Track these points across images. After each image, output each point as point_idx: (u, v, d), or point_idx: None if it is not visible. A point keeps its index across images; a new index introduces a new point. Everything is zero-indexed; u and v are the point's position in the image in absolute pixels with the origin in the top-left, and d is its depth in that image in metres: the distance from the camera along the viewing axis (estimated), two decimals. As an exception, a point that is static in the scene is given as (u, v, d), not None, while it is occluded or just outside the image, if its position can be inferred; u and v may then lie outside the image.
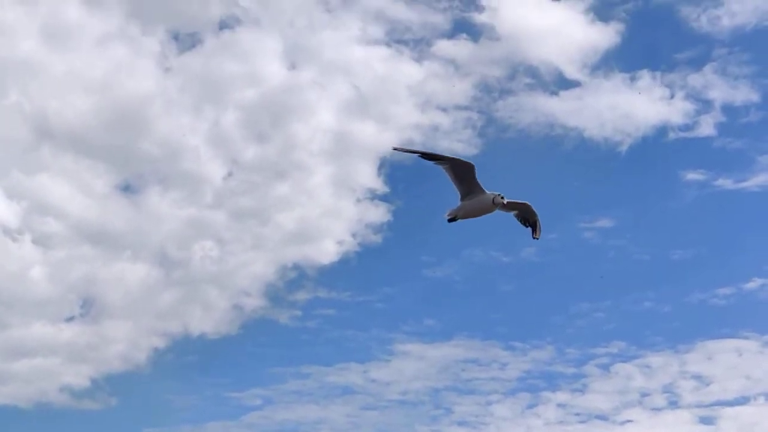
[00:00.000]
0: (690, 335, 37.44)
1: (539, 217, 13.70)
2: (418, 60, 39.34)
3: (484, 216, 13.17)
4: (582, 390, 36.16)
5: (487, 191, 12.98)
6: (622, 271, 39.44)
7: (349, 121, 39.13)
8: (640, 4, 39.92)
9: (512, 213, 13.70)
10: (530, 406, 35.95)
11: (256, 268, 37.43)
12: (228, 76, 38.11)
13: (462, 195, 13.19)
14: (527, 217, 13.71)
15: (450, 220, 13.43)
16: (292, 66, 39.02)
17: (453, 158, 12.80)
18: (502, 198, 12.97)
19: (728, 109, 38.61)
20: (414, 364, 37.15)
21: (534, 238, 13.78)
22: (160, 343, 36.20)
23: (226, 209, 37.72)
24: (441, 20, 39.32)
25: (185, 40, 38.10)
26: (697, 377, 35.96)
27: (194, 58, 38.54)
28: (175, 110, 37.92)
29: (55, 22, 36.84)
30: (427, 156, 12.80)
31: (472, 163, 12.79)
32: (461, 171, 12.93)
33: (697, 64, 39.45)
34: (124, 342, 36.21)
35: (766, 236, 40.00)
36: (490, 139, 38.92)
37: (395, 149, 13.24)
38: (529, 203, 13.46)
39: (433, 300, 39.34)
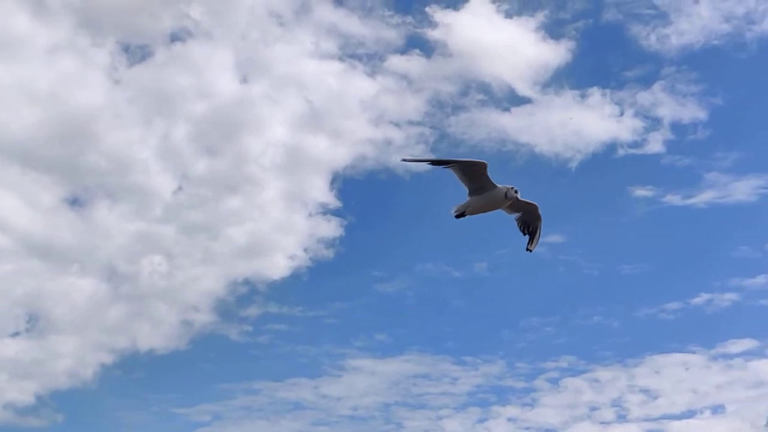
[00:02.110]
0: (638, 350, 37.87)
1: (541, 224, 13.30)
2: (371, 75, 39.44)
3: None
4: (532, 404, 36.35)
5: (498, 185, 12.67)
6: (572, 286, 39.82)
7: (302, 136, 39.07)
8: (591, 23, 40.45)
9: (515, 216, 13.32)
10: (481, 421, 36.04)
11: (206, 283, 37.11)
12: (179, 89, 37.83)
13: (471, 191, 12.85)
14: (529, 221, 13.27)
15: (458, 216, 13.05)
16: (244, 79, 38.88)
17: (465, 161, 12.55)
18: (516, 191, 12.68)
19: (676, 126, 39.23)
20: (365, 379, 37.07)
21: (528, 250, 13.41)
22: (108, 358, 35.65)
23: (176, 223, 37.37)
24: (394, 36, 39.46)
25: (135, 52, 37.72)
26: (645, 391, 36.37)
27: (145, 71, 38.14)
28: (124, 123, 37.49)
29: (2, 32, 36.25)
30: (437, 162, 12.62)
31: (484, 162, 12.54)
32: (472, 169, 12.62)
33: (646, 82, 40.07)
34: (71, 358, 35.58)
35: (713, 252, 40.67)
36: (442, 154, 38.92)
37: (404, 160, 13.05)
38: (537, 204, 13.08)
39: (385, 315, 39.35)
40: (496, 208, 12.96)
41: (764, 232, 39.96)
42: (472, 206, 12.86)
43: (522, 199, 12.87)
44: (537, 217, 13.23)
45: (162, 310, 36.94)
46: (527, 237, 13.44)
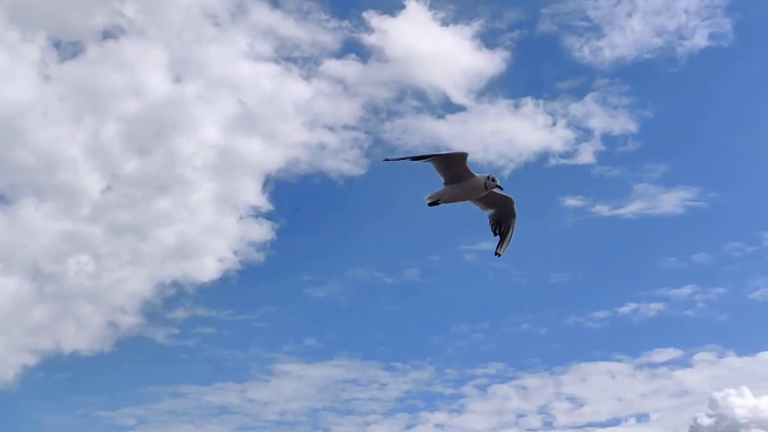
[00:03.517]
0: (566, 357, 38.35)
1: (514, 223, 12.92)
2: (307, 78, 39.38)
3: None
4: (459, 410, 36.56)
5: (476, 174, 12.32)
6: (502, 293, 40.16)
7: (235, 137, 38.84)
8: (526, 33, 40.93)
9: (488, 212, 12.92)
10: (408, 427, 36.13)
11: (134, 285, 36.65)
12: (110, 87, 37.39)
13: (447, 180, 12.48)
14: (502, 220, 12.87)
15: (431, 204, 12.66)
16: (177, 79, 38.53)
17: (446, 154, 12.25)
18: (494, 180, 12.31)
19: (607, 138, 39.86)
20: (293, 384, 36.92)
21: (496, 254, 13.00)
22: (30, 360, 35.03)
23: (104, 223, 36.88)
24: (330, 40, 39.46)
25: (67, 48, 37.19)
26: (572, 399, 36.81)
27: (76, 67, 37.65)
28: (53, 120, 36.94)
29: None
30: (418, 158, 12.26)
31: (465, 152, 12.22)
32: (452, 159, 12.28)
33: (578, 93, 40.67)
34: (-8, 358, 34.85)
35: (640, 262, 41.33)
36: (376, 160, 39.10)
37: (387, 160, 12.71)
38: (512, 198, 12.72)
39: (315, 320, 39.26)
40: (472, 198, 12.66)
41: (691, 244, 40.84)
42: (447, 195, 12.54)
43: (497, 192, 12.54)
44: (511, 214, 12.88)
45: (87, 311, 36.42)
46: (498, 239, 13.01)
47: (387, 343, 38.95)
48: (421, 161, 12.28)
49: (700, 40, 40.76)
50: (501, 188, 12.43)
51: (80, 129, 37.15)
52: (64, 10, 37.24)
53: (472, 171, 12.33)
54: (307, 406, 36.38)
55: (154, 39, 38.24)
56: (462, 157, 12.23)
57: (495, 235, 13.00)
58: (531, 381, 37.20)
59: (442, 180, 12.57)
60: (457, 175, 12.37)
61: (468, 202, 12.75)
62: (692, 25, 40.81)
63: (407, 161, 12.28)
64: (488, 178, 12.34)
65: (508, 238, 12.99)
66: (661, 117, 41.62)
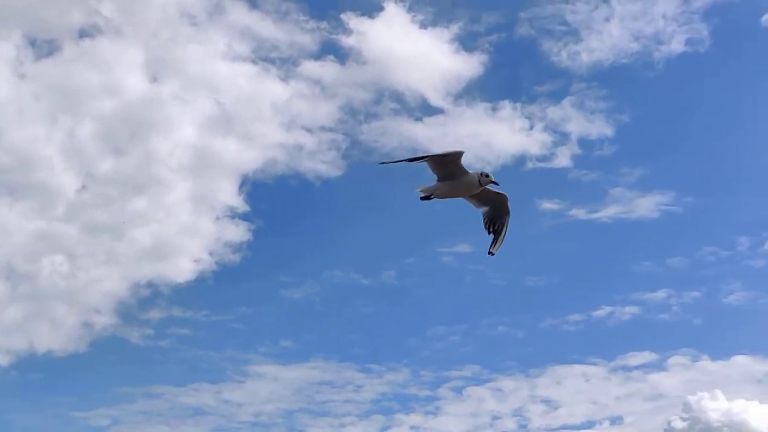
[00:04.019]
0: (541, 360, 38.46)
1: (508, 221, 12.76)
2: (284, 79, 39.28)
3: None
4: (435, 413, 36.54)
5: (470, 171, 12.18)
6: (479, 295, 40.21)
7: (211, 138, 38.69)
8: (504, 37, 41.02)
9: (482, 210, 12.74)
10: (384, 429, 36.07)
11: (108, 285, 36.41)
12: (86, 86, 37.11)
13: (441, 177, 12.35)
14: (496, 218, 12.69)
15: (423, 198, 12.54)
16: (154, 78, 38.32)
17: (441, 154, 12.09)
18: (488, 176, 12.17)
19: (584, 142, 40.01)
20: (268, 385, 36.77)
21: (490, 253, 12.82)
22: (4, 360, 34.75)
23: (79, 223, 36.61)
24: (308, 41, 39.39)
25: (42, 47, 36.90)
26: (547, 401, 36.89)
27: (51, 66, 37.37)
28: (28, 118, 36.64)
29: None
30: (414, 159, 12.15)
31: (462, 151, 12.07)
32: (446, 158, 12.13)
33: (556, 97, 40.81)
34: (-36, 358, 34.57)
35: (615, 266, 41.55)
36: (354, 161, 39.11)
37: (382, 163, 12.58)
38: (507, 195, 12.54)
39: (291, 321, 39.13)
40: (465, 195, 12.54)
41: (666, 248, 41.01)
42: (440, 191, 12.42)
43: (492, 189, 12.40)
44: (505, 212, 12.71)
45: (62, 311, 36.15)
46: (491, 237, 12.82)
47: (363, 344, 38.93)
48: (415, 162, 12.21)
49: (677, 46, 41.05)
50: (497, 184, 12.33)
51: (56, 128, 36.90)
52: (41, 8, 37.01)
53: (466, 168, 12.22)
54: (283, 407, 36.28)
55: (131, 38, 38.06)
56: (458, 155, 12.13)
57: (489, 233, 12.84)
58: (506, 383, 37.29)
59: (435, 177, 12.46)
60: (450, 172, 12.27)
61: (460, 199, 12.64)
62: (670, 30, 41.10)
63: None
64: (482, 174, 12.23)
65: (502, 236, 12.81)
66: (638, 122, 41.86)
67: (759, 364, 37.83)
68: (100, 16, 37.02)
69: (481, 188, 12.33)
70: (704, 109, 43.70)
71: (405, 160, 12.19)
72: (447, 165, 12.24)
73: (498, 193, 12.59)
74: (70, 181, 36.24)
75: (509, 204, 12.69)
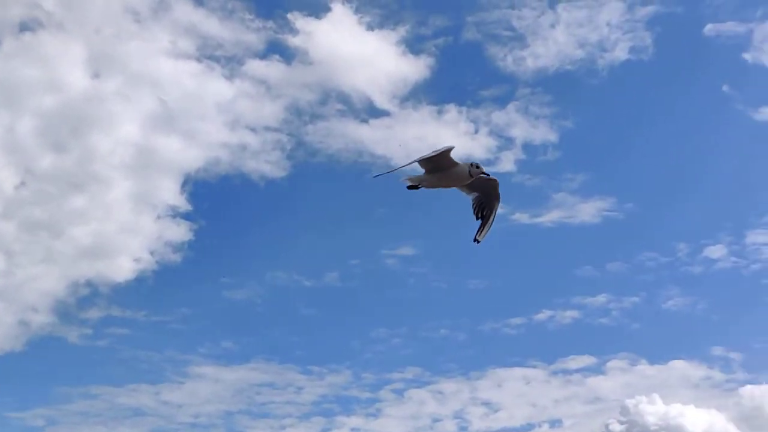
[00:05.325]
0: (482, 363, 38.72)
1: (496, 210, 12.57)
2: (229, 78, 39.03)
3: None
4: (376, 414, 36.58)
5: (460, 162, 12.06)
6: (421, 298, 40.32)
7: (154, 136, 38.26)
8: (450, 41, 41.22)
9: (472, 196, 12.55)
10: (324, 430, 36.00)
11: (46, 283, 35.83)
12: (26, 81, 36.47)
13: (429, 170, 12.19)
14: (486, 202, 12.50)
15: (410, 187, 12.33)
16: (96, 75, 37.80)
17: (434, 155, 11.94)
18: (478, 167, 12.06)
19: (528, 147, 40.40)
20: (208, 386, 36.49)
21: (475, 240, 12.59)
22: (-65, 359, 33.94)
23: (17, 220, 35.98)
24: (254, 40, 39.17)
25: (-19, 40, 36.16)
26: (487, 404, 37.13)
27: (-10, 60, 36.58)
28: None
29: None
30: (408, 165, 12.01)
31: (451, 146, 11.92)
32: (438, 157, 12.01)
33: (501, 102, 41.14)
34: None
35: (556, 270, 41.97)
36: (298, 162, 38.96)
37: (376, 176, 12.34)
38: (497, 180, 12.37)
39: (233, 322, 38.87)
40: (455, 186, 12.40)
41: (606, 253, 41.57)
42: (428, 182, 12.28)
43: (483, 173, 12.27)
44: (495, 197, 12.56)
45: (-3, 309, 35.45)
46: (479, 223, 12.62)
47: (304, 346, 38.82)
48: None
49: (621, 53, 41.64)
50: (487, 174, 12.26)
51: (-6, 123, 36.21)
52: (-20, 1, 36.29)
53: (455, 160, 12.13)
54: (222, 409, 36.03)
55: (73, 33, 37.49)
56: (448, 151, 12.04)
57: (477, 218, 12.68)
58: (447, 386, 37.49)
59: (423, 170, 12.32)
60: (440, 166, 12.18)
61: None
62: (614, 37, 41.66)
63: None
64: (472, 165, 12.16)
65: (489, 222, 12.64)
66: (581, 128, 42.38)
67: (695, 369, 38.55)
68: (41, 10, 36.44)
69: (472, 179, 12.26)
70: (647, 116, 44.43)
71: (398, 168, 12.06)
72: (438, 161, 12.17)
73: (489, 178, 12.47)
74: (9, 177, 35.67)
75: (499, 189, 12.57)
